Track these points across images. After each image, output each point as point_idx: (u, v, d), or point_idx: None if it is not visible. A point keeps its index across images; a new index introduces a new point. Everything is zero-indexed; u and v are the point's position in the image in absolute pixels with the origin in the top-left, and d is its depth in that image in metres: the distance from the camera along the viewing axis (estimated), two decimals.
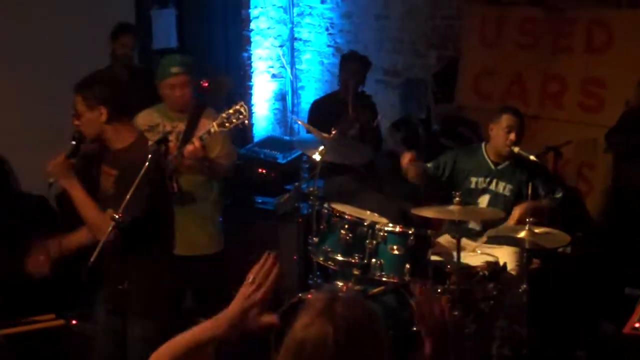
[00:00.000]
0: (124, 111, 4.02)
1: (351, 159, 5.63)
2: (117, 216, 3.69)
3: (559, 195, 5.26)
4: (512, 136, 5.16)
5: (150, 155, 3.76)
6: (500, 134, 5.21)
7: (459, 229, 4.63)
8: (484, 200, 5.26)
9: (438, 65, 7.13)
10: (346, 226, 4.66)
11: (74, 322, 4.98)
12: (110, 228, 3.71)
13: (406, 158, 5.25)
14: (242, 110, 4.39)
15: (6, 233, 5.82)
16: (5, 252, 5.65)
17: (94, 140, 4.03)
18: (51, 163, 3.99)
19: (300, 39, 8.19)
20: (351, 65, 6.57)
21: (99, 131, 3.93)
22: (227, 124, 4.43)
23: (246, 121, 4.40)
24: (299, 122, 6.35)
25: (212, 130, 4.51)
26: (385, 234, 4.58)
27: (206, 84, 6.56)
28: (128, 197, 3.70)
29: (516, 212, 5.04)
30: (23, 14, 6.33)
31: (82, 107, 3.89)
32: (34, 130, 6.36)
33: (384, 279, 4.57)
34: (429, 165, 5.41)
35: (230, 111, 4.42)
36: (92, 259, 3.76)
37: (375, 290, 4.64)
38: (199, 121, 4.95)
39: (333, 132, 5.20)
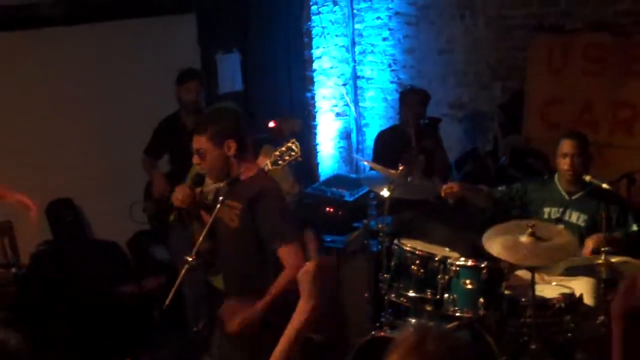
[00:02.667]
0: (247, 144, 4.04)
1: (419, 194, 5.59)
2: (189, 259, 3.72)
3: (634, 228, 5.12)
4: (568, 161, 5.07)
5: (221, 197, 3.80)
6: (559, 162, 5.15)
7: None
8: (559, 228, 5.15)
9: (503, 97, 7.07)
10: (417, 262, 4.62)
11: None
12: (183, 270, 3.74)
13: (446, 188, 5.17)
14: (293, 147, 4.38)
15: (80, 279, 5.92)
16: (80, 297, 5.74)
17: (217, 181, 4.03)
18: (176, 192, 4.02)
19: (363, 77, 8.22)
20: (410, 99, 6.57)
21: (226, 166, 3.93)
22: (280, 162, 4.42)
23: (299, 158, 4.38)
24: (364, 162, 6.34)
25: (266, 169, 4.53)
26: (458, 269, 4.52)
27: (274, 124, 6.60)
28: (201, 238, 3.73)
29: (589, 243, 4.92)
30: (92, 63, 6.48)
31: (208, 144, 3.88)
32: (106, 179, 6.48)
33: (457, 314, 4.51)
34: (499, 188, 5.34)
35: (283, 149, 4.42)
36: (167, 302, 3.79)
37: (450, 326, 4.57)
38: (255, 159, 4.99)
39: (400, 168, 5.18)
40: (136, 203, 5.93)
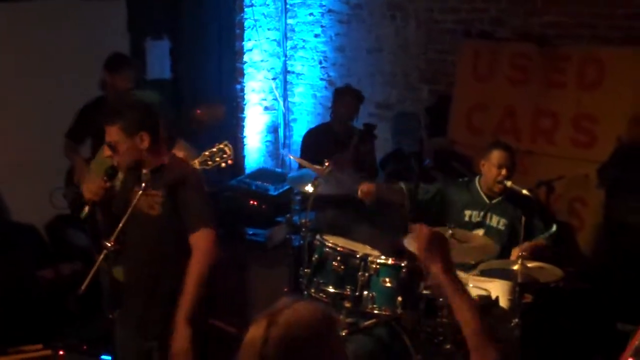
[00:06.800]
0: (161, 136, 3.96)
1: (344, 191, 5.62)
2: (108, 244, 3.68)
3: (553, 230, 5.25)
4: (504, 172, 5.18)
5: (144, 184, 3.76)
6: (492, 171, 5.23)
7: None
8: (478, 234, 5.25)
9: (430, 99, 7.15)
10: (338, 258, 4.65)
11: (61, 352, 4.94)
12: (101, 256, 3.70)
13: (362, 187, 5.24)
14: (226, 149, 4.30)
15: None
16: None
17: (130, 169, 3.95)
18: (89, 186, 3.91)
19: (293, 72, 8.23)
20: (346, 99, 6.58)
21: (138, 158, 3.86)
22: (209, 162, 4.34)
23: (230, 161, 4.31)
24: (292, 157, 6.34)
25: None
26: (378, 267, 4.57)
27: (199, 112, 6.56)
28: (121, 225, 3.69)
29: (515, 252, 5.01)
30: (16, 45, 6.33)
31: (120, 136, 3.80)
32: (25, 161, 6.33)
33: (375, 311, 4.55)
34: (421, 185, 5.42)
35: (214, 150, 4.33)
36: (82, 289, 3.74)
37: (367, 323, 4.62)
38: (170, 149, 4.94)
39: (326, 165, 5.20)
40: (57, 189, 5.81)
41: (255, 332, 2.05)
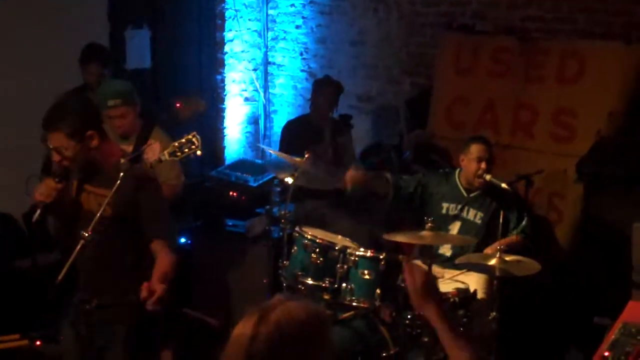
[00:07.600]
0: (104, 129, 3.95)
1: (324, 183, 5.63)
2: (86, 234, 3.66)
3: (524, 224, 5.28)
4: (483, 165, 5.21)
5: (122, 174, 3.74)
6: (471, 165, 5.26)
7: (430, 255, 4.61)
8: (455, 227, 5.28)
9: (412, 92, 7.15)
10: (317, 250, 4.66)
11: (38, 342, 4.93)
12: (79, 246, 3.68)
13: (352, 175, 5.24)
14: (194, 140, 4.31)
15: None
16: None
17: (82, 170, 3.89)
18: (40, 187, 3.84)
19: (274, 63, 8.21)
20: (325, 89, 6.57)
21: (90, 157, 3.81)
22: (178, 154, 4.35)
23: (198, 152, 4.31)
24: (270, 151, 6.34)
25: (163, 158, 4.45)
26: (357, 259, 4.57)
27: (179, 104, 6.53)
28: (98, 215, 3.67)
29: (487, 251, 5.02)
30: None
31: (67, 140, 3.73)
32: (4, 150, 6.29)
33: (354, 303, 4.56)
34: (403, 177, 5.43)
35: (183, 140, 4.34)
36: (59, 278, 3.72)
37: (346, 315, 4.62)
38: (146, 142, 4.92)
39: (306, 156, 5.19)
40: (33, 177, 5.76)
41: (244, 328, 2.03)
